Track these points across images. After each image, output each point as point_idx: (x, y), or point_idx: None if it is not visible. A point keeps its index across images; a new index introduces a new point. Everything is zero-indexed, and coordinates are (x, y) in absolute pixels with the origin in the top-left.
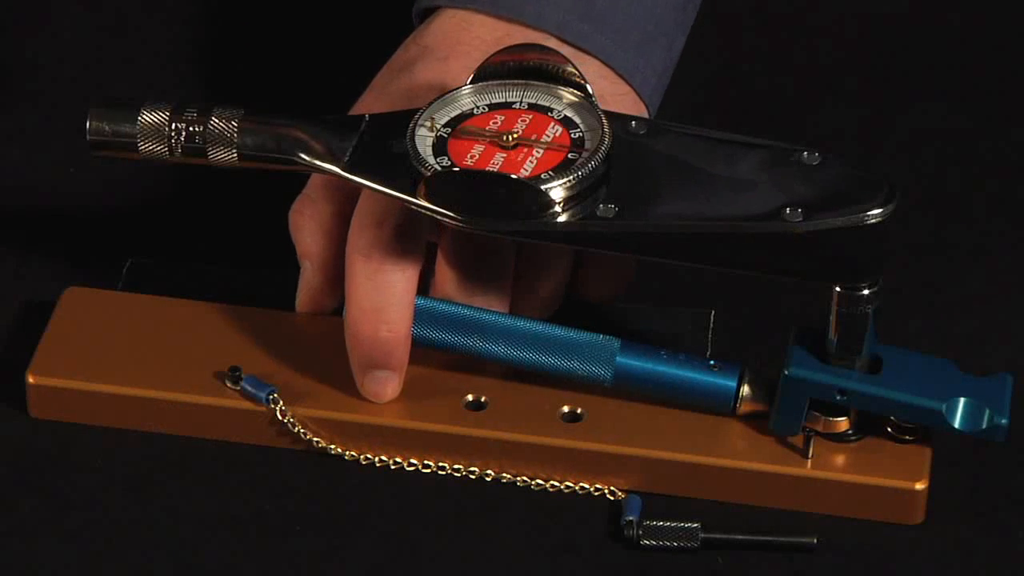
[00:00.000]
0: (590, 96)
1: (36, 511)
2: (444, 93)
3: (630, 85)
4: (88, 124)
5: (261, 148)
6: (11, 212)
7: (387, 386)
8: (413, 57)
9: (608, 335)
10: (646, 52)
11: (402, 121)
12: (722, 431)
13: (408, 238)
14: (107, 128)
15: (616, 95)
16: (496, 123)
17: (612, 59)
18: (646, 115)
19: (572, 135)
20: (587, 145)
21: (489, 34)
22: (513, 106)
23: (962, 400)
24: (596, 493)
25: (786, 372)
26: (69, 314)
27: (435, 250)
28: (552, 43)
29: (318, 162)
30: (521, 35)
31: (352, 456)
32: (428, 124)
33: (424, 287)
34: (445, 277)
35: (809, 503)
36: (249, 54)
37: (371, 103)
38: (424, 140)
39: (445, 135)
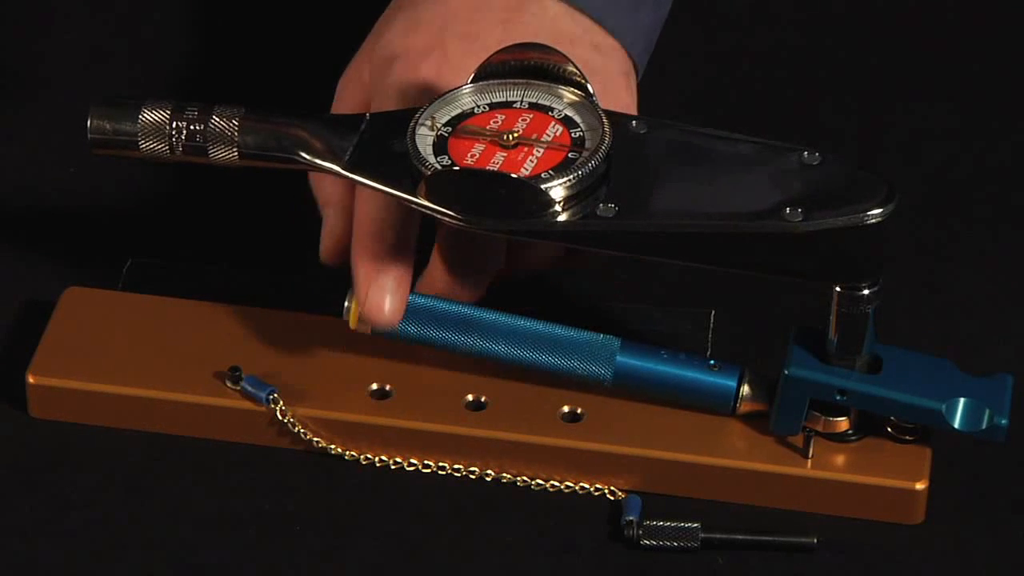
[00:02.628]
0: (591, 95)
1: (36, 511)
2: (444, 93)
3: (620, 43)
4: (89, 123)
5: (262, 147)
6: (11, 212)
7: (391, 297)
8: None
9: (608, 335)
10: (637, 11)
11: (403, 120)
12: (722, 431)
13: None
14: (108, 127)
15: (609, 48)
16: (496, 122)
17: (605, 19)
18: (634, 72)
19: (572, 134)
20: (587, 144)
21: None
22: (514, 105)
23: (962, 400)
24: (596, 493)
25: (786, 372)
26: (69, 314)
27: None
28: (547, 2)
29: (319, 161)
30: None
31: (352, 456)
32: (429, 123)
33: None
34: (437, 269)
35: (809, 503)
36: (249, 54)
37: (381, 36)
38: (424, 139)
39: (446, 134)
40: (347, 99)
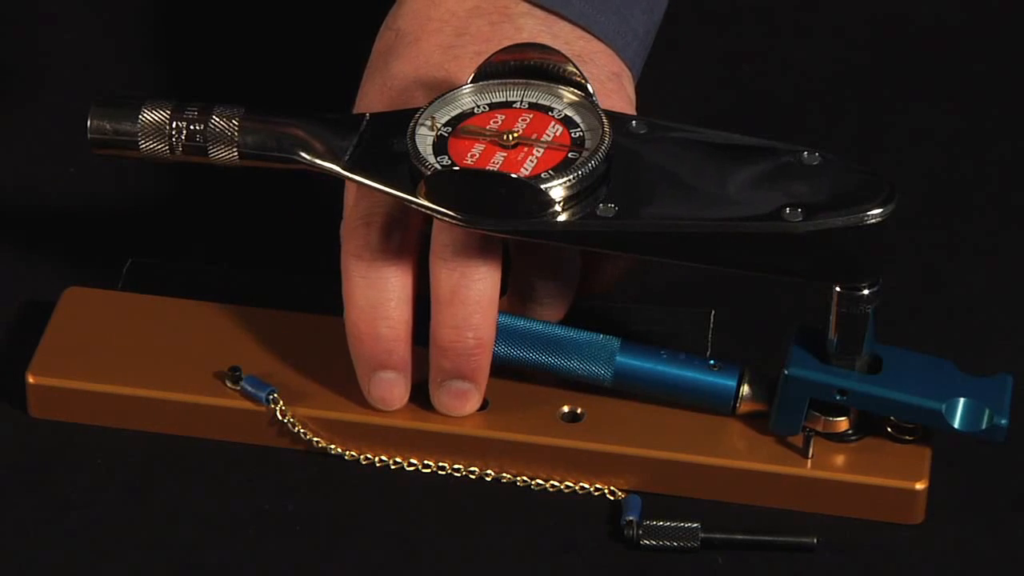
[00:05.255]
0: (591, 96)
1: (36, 511)
2: (444, 92)
3: (608, 46)
4: (89, 122)
5: (262, 147)
6: (11, 212)
7: (393, 389)
8: (387, 46)
9: (608, 335)
10: (626, 15)
11: (403, 120)
12: (722, 431)
13: (398, 233)
14: (108, 126)
15: (592, 53)
16: (496, 122)
17: (591, 24)
18: (627, 73)
19: (572, 134)
20: (587, 144)
21: (459, 6)
22: (514, 105)
23: (962, 400)
24: (596, 493)
25: (786, 372)
26: (69, 314)
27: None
28: (523, 9)
29: (319, 161)
30: (491, 5)
31: (352, 456)
32: (429, 123)
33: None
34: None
35: (809, 503)
36: (249, 54)
37: (359, 107)
38: (425, 139)
39: (446, 134)
40: None
